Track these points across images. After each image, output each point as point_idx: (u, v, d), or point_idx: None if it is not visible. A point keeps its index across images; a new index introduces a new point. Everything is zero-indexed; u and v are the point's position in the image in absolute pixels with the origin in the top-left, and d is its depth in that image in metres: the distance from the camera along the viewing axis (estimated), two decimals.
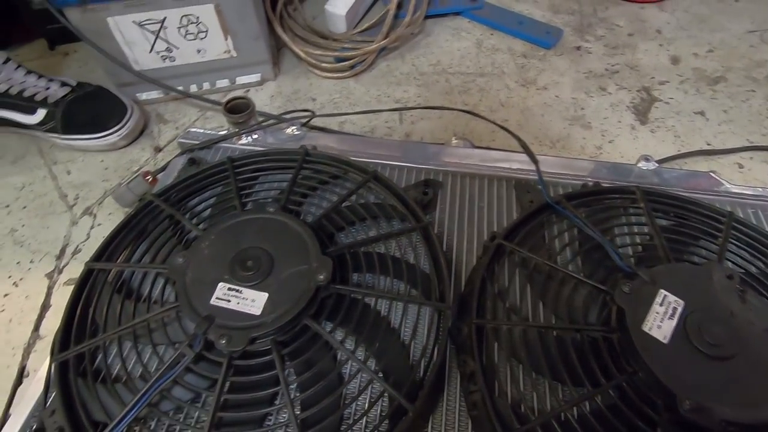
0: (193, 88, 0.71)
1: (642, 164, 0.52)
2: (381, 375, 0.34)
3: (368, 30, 0.79)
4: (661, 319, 0.33)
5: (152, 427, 0.33)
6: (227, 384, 0.33)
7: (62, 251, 0.54)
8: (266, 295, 0.35)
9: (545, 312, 0.39)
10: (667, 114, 0.68)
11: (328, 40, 0.78)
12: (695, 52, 0.77)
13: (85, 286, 0.40)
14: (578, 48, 0.79)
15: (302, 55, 0.74)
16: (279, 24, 0.76)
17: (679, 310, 0.34)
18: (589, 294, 0.37)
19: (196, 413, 0.34)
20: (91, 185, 0.61)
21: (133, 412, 0.32)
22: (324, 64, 0.74)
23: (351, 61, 0.74)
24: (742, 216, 0.44)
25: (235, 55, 0.68)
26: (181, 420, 0.34)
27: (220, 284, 0.35)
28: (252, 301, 0.35)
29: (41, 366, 0.43)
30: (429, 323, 0.38)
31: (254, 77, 0.72)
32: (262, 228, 0.40)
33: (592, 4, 0.87)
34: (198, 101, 0.70)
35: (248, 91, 0.73)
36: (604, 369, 0.33)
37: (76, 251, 0.54)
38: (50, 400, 0.35)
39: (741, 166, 0.61)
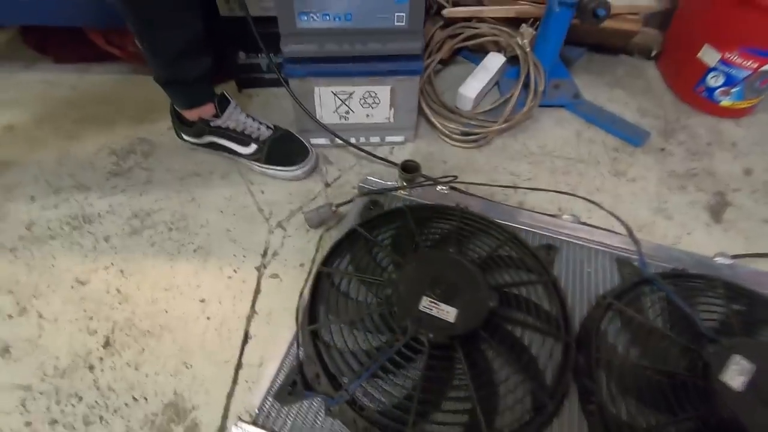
0: (352, 140, 0.91)
1: (718, 259, 0.66)
2: (529, 380, 0.50)
3: (488, 111, 0.98)
4: (736, 375, 0.47)
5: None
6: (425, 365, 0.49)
7: (265, 252, 0.73)
8: (456, 310, 0.52)
9: (642, 357, 0.53)
10: (738, 217, 0.82)
11: (455, 115, 0.98)
12: (767, 168, 0.91)
13: (319, 282, 0.58)
14: (662, 149, 0.95)
15: (438, 125, 0.94)
16: (422, 97, 0.96)
17: (750, 370, 0.48)
18: (680, 350, 0.52)
19: (399, 383, 0.50)
20: (279, 204, 0.81)
21: (366, 374, 0.49)
22: (454, 135, 0.93)
23: (475, 136, 0.93)
24: None
25: (392, 121, 0.88)
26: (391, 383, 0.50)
27: (424, 297, 0.53)
28: (447, 312, 0.51)
29: (260, 333, 0.61)
30: (559, 353, 0.53)
31: (399, 138, 0.92)
32: (446, 262, 0.57)
33: (676, 112, 1.04)
34: (356, 150, 0.90)
35: (393, 148, 0.92)
36: (689, 403, 0.47)
37: (274, 254, 0.73)
38: (300, 355, 0.53)
39: None
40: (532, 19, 1.02)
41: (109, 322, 0.64)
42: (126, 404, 0.57)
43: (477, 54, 1.13)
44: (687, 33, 1.04)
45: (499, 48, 1.07)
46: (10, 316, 0.65)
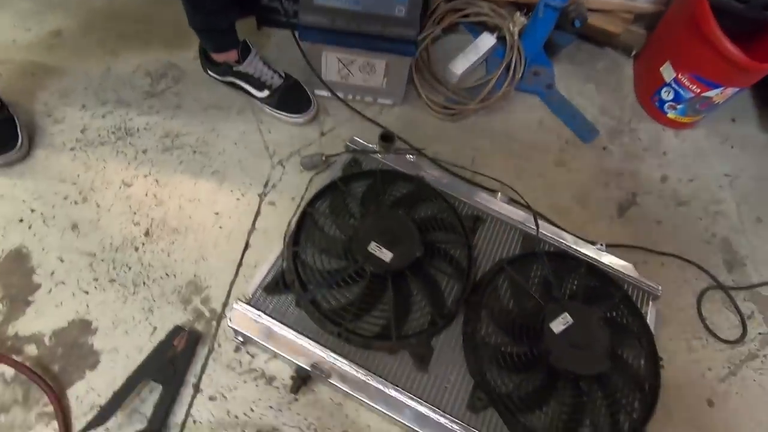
0: (349, 97, 1.08)
1: (597, 246, 0.90)
2: (432, 306, 0.76)
3: (471, 89, 1.14)
4: (560, 324, 0.73)
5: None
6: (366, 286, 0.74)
7: (266, 183, 0.95)
8: (391, 254, 0.75)
9: (515, 304, 0.79)
10: (637, 216, 1.04)
11: (441, 86, 1.13)
12: (680, 178, 1.11)
13: (303, 217, 0.81)
14: (605, 148, 1.13)
15: (423, 96, 1.10)
16: (416, 68, 1.11)
17: (570, 322, 0.74)
18: (535, 303, 0.78)
19: (346, 294, 0.75)
20: (282, 145, 1.01)
21: (325, 285, 0.74)
22: (435, 107, 1.10)
23: (453, 111, 1.10)
24: (630, 294, 0.83)
25: (384, 87, 1.05)
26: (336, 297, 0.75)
27: (373, 242, 0.76)
28: (386, 254, 0.75)
29: (257, 243, 0.85)
30: (458, 292, 0.78)
31: (388, 101, 1.09)
32: (395, 219, 0.79)
33: (631, 114, 1.20)
34: (350, 106, 1.07)
35: (383, 109, 1.10)
36: (529, 337, 0.74)
37: (273, 186, 0.95)
38: (284, 265, 0.77)
39: (663, 264, 0.98)
40: (526, 8, 1.13)
41: (148, 218, 0.88)
42: (161, 277, 0.83)
43: (477, 26, 1.24)
44: (659, 45, 1.17)
45: (493, 28, 1.18)
46: (75, 202, 0.88)
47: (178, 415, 0.72)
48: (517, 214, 0.91)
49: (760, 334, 0.94)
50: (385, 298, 0.76)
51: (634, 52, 1.28)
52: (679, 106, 1.13)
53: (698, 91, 1.07)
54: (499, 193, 0.95)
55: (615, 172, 1.10)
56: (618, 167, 1.11)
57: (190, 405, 0.73)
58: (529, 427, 0.69)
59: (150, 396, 0.72)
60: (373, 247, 0.76)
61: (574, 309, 0.75)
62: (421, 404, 0.70)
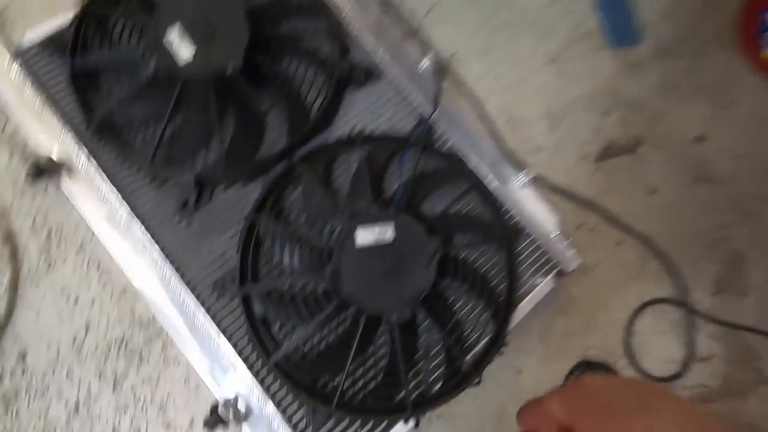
0: None
1: (521, 173, 0.61)
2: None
3: None
4: (371, 235, 0.49)
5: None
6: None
7: None
8: (194, 52, 0.52)
9: (348, 192, 0.56)
10: (625, 168, 0.71)
11: None
12: (724, 148, 0.72)
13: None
14: (636, 66, 0.75)
15: None
16: None
17: (388, 239, 0.49)
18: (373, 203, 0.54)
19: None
20: None
21: (120, 94, 0.53)
22: None
23: None
24: (519, 250, 0.56)
25: None
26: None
27: (176, 27, 0.53)
28: (185, 50, 0.52)
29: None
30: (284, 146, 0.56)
31: None
32: (231, 8, 0.54)
33: (712, 36, 0.78)
34: None
35: None
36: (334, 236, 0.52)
37: None
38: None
39: (618, 244, 0.67)
40: None
41: None
42: None
43: None
44: None
45: None
46: None
47: None
48: (424, 89, 0.62)
49: (703, 386, 0.64)
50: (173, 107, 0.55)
51: None
52: None
53: None
54: (427, 59, 0.65)
55: (630, 102, 0.74)
56: (639, 97, 0.74)
57: None
58: (269, 338, 0.51)
59: None
60: (173, 35, 0.53)
61: (407, 227, 0.50)
62: (157, 254, 0.53)
